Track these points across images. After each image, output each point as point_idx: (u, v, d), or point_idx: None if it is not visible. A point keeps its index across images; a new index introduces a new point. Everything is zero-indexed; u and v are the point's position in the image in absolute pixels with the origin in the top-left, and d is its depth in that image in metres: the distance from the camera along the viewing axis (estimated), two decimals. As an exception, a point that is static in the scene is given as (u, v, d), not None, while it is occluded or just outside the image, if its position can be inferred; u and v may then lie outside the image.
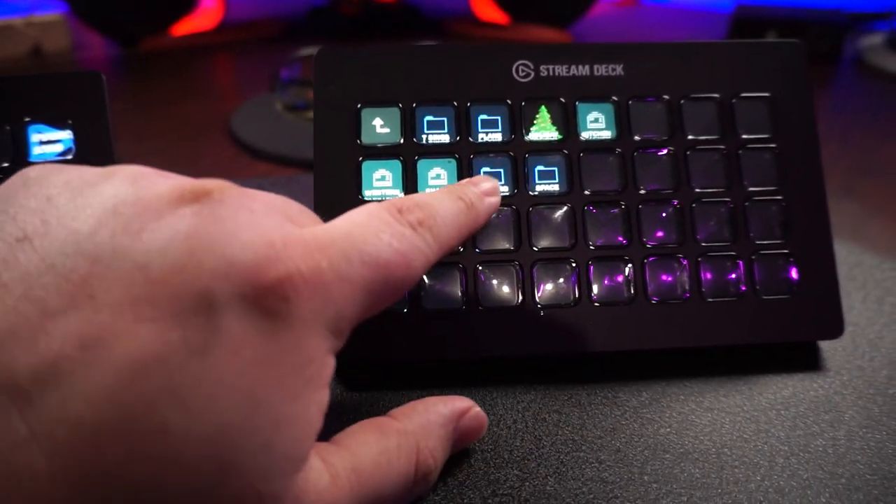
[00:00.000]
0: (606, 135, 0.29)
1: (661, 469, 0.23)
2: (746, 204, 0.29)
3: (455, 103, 0.29)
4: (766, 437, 0.25)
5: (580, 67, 0.30)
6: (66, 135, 0.28)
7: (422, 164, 0.28)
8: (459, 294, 0.27)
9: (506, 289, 0.27)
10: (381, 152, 0.28)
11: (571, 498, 0.22)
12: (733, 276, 0.28)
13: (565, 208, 0.28)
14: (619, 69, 0.30)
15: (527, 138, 0.29)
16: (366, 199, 0.28)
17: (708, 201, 0.29)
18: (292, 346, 0.16)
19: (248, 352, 0.15)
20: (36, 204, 0.16)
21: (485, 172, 0.28)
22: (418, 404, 0.22)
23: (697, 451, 0.24)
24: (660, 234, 0.28)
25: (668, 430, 0.25)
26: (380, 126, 0.29)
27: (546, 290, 0.28)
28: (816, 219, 0.29)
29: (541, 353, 0.27)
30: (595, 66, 0.30)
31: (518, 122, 0.29)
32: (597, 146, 0.29)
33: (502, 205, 0.28)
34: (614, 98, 0.30)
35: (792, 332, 0.28)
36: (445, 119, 0.29)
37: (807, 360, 0.29)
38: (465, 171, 0.28)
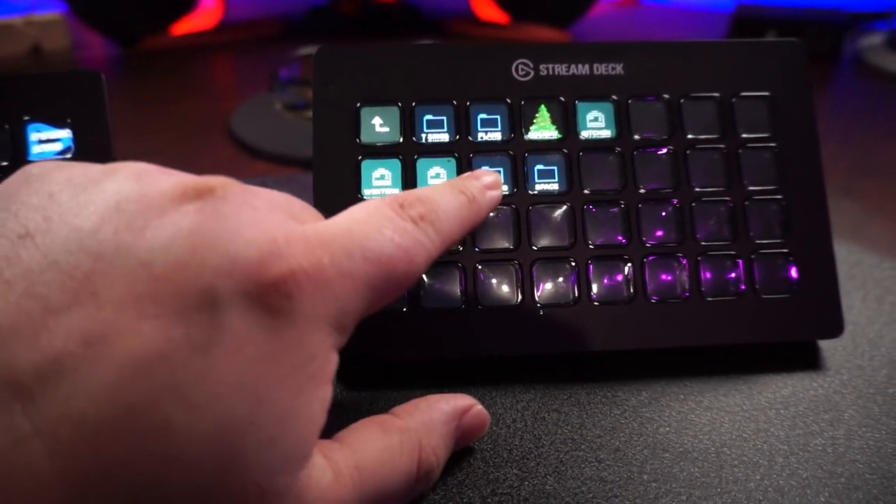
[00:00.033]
0: (606, 134, 0.29)
1: (660, 468, 0.23)
2: (746, 203, 0.29)
3: (454, 102, 0.29)
4: (765, 436, 0.25)
5: (580, 66, 0.30)
6: (66, 134, 0.28)
7: (421, 163, 0.28)
8: (459, 293, 0.27)
9: (505, 288, 0.27)
10: (381, 151, 0.28)
11: (571, 497, 0.22)
12: (733, 275, 0.28)
13: (565, 207, 0.28)
14: (618, 68, 0.30)
15: (526, 137, 0.29)
16: (365, 198, 0.28)
17: (708, 200, 0.29)
18: (295, 343, 0.16)
19: (252, 348, 0.15)
20: (38, 201, 0.16)
21: (484, 171, 0.28)
22: (421, 402, 0.22)
23: (697, 451, 0.24)
24: (659, 233, 0.28)
25: (668, 429, 0.25)
26: (379, 125, 0.29)
27: (545, 289, 0.28)
28: (816, 218, 0.29)
29: (540, 352, 0.27)
30: (595, 66, 0.30)
31: (518, 122, 0.29)
32: (596, 145, 0.29)
33: (502, 204, 0.28)
34: (614, 97, 0.30)
35: (792, 332, 0.28)
36: (445, 118, 0.29)
37: (806, 360, 0.29)
38: (464, 170, 0.28)
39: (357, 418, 0.21)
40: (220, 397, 0.15)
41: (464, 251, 0.28)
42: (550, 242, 0.28)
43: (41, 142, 0.28)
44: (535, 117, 0.29)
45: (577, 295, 0.28)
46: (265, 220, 0.17)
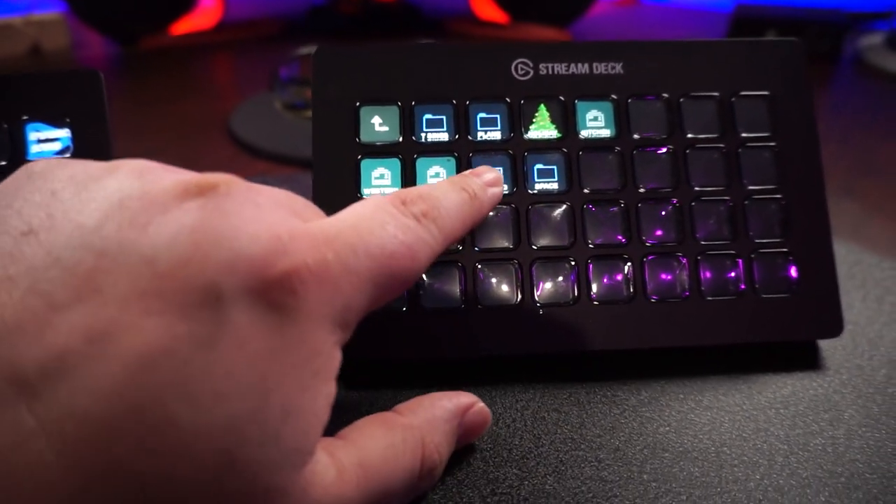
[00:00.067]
0: (606, 133, 0.29)
1: (660, 468, 0.23)
2: (746, 202, 0.29)
3: (454, 101, 0.29)
4: (765, 435, 0.25)
5: (579, 66, 0.30)
6: (65, 133, 0.28)
7: (421, 162, 0.28)
8: (458, 293, 0.27)
9: (505, 287, 0.27)
10: (380, 150, 0.28)
11: (570, 497, 0.22)
12: (733, 274, 0.28)
13: (564, 207, 0.28)
14: (618, 67, 0.30)
15: (526, 137, 0.29)
16: (364, 197, 0.28)
17: (707, 200, 0.29)
18: (299, 339, 0.16)
19: (256, 345, 0.15)
20: (41, 198, 0.16)
21: (484, 171, 0.28)
22: (423, 399, 0.22)
23: (697, 450, 0.24)
24: (659, 232, 0.28)
25: (668, 428, 0.25)
26: (379, 124, 0.29)
27: (545, 288, 0.28)
28: (816, 217, 0.29)
29: (540, 351, 0.27)
30: (594, 65, 0.30)
31: (517, 121, 0.29)
32: (596, 144, 0.29)
33: (501, 203, 0.28)
34: (614, 96, 0.30)
35: (791, 331, 0.28)
36: (444, 117, 0.29)
37: (806, 359, 0.29)
38: (464, 169, 0.28)
39: (357, 418, 0.20)
40: (224, 394, 0.15)
41: (463, 250, 0.28)
42: (550, 242, 0.28)
43: (40, 141, 0.28)
44: (534, 117, 0.29)
45: (576, 294, 0.28)
46: (268, 217, 0.17)
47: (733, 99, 0.30)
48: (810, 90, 0.30)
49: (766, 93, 0.30)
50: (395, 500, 0.20)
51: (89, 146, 0.28)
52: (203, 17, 0.80)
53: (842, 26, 0.74)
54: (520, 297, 0.27)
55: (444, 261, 0.27)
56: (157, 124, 0.56)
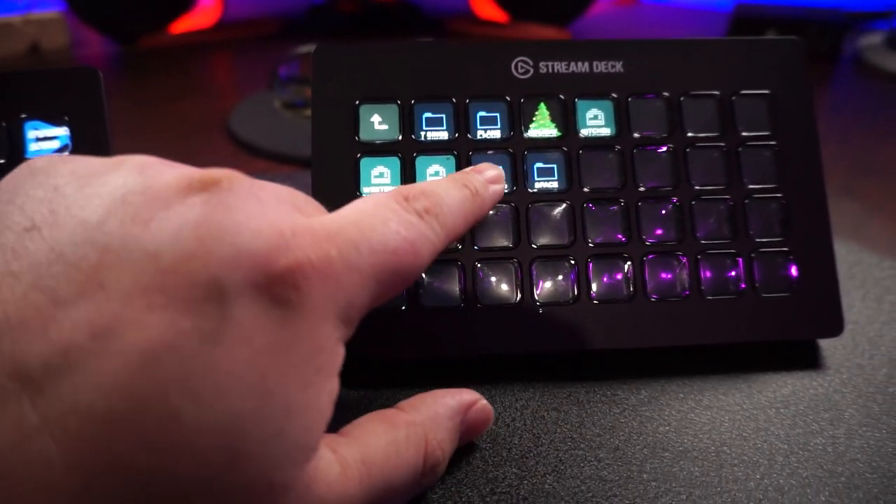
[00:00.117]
0: (606, 132, 0.29)
1: (660, 467, 0.23)
2: (746, 201, 0.29)
3: (454, 100, 0.29)
4: (765, 435, 0.25)
5: (579, 64, 0.30)
6: (63, 131, 0.28)
7: (420, 160, 0.28)
8: (458, 291, 0.27)
9: (504, 286, 0.27)
10: (380, 149, 0.28)
11: (570, 496, 0.22)
12: (733, 273, 0.28)
13: (564, 205, 0.28)
14: (618, 66, 0.30)
15: (526, 135, 0.29)
16: (364, 195, 0.28)
17: (707, 199, 0.29)
18: (303, 335, 0.16)
19: (259, 340, 0.15)
20: (43, 194, 0.16)
21: (484, 169, 0.28)
22: (426, 396, 0.22)
23: (697, 450, 0.24)
24: (659, 231, 0.28)
25: (668, 428, 0.25)
26: (378, 123, 0.29)
27: (545, 287, 0.28)
28: (816, 216, 0.29)
29: (539, 350, 0.27)
30: (594, 63, 0.30)
31: (517, 119, 0.29)
32: (596, 143, 0.29)
33: (501, 202, 0.28)
34: (614, 95, 0.29)
35: (791, 330, 0.28)
36: (444, 116, 0.29)
37: (806, 359, 0.29)
38: (463, 168, 0.28)
39: (356, 416, 0.20)
40: (228, 389, 0.15)
41: (463, 249, 0.28)
42: (550, 241, 0.28)
43: (39, 139, 0.28)
44: (534, 115, 0.29)
45: (576, 293, 0.28)
46: (271, 213, 0.17)
47: (733, 98, 0.30)
48: (810, 89, 0.30)
49: (766, 91, 0.30)
50: (398, 497, 0.20)
51: (88, 144, 0.28)
52: (202, 16, 0.80)
53: (841, 26, 0.74)
54: (519, 295, 0.27)
55: (443, 259, 0.27)
56: (156, 123, 0.56)
